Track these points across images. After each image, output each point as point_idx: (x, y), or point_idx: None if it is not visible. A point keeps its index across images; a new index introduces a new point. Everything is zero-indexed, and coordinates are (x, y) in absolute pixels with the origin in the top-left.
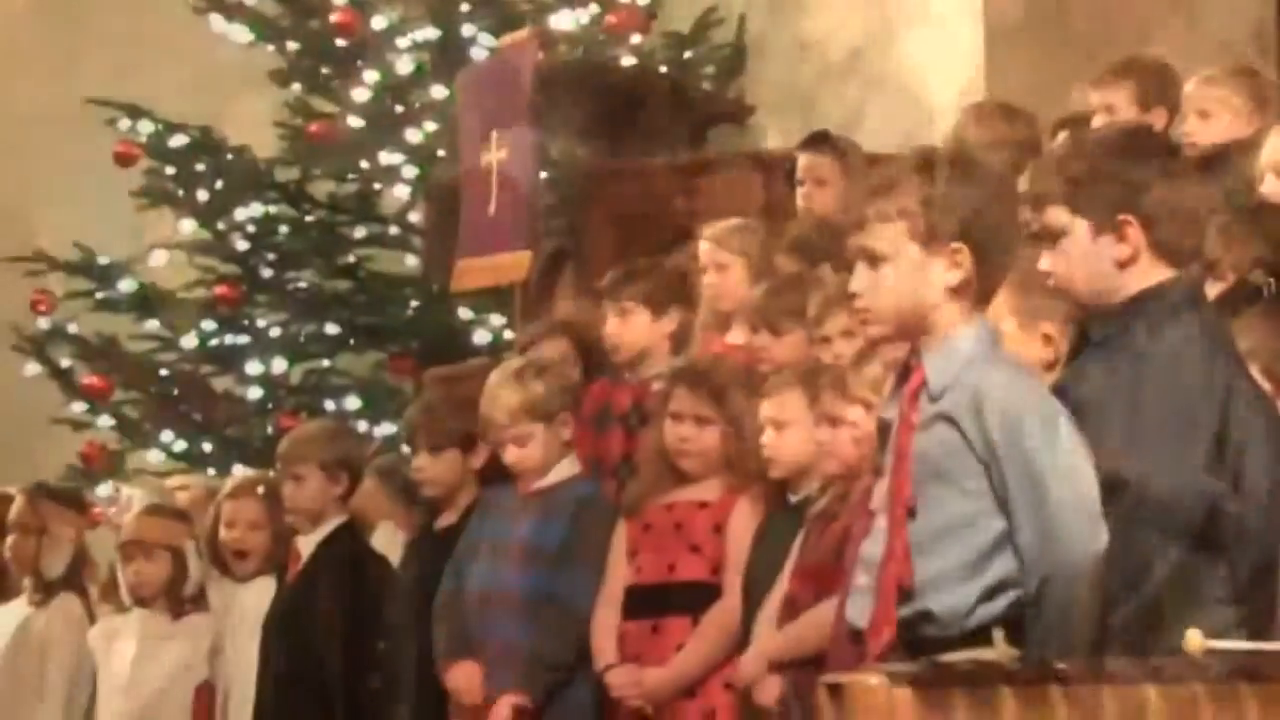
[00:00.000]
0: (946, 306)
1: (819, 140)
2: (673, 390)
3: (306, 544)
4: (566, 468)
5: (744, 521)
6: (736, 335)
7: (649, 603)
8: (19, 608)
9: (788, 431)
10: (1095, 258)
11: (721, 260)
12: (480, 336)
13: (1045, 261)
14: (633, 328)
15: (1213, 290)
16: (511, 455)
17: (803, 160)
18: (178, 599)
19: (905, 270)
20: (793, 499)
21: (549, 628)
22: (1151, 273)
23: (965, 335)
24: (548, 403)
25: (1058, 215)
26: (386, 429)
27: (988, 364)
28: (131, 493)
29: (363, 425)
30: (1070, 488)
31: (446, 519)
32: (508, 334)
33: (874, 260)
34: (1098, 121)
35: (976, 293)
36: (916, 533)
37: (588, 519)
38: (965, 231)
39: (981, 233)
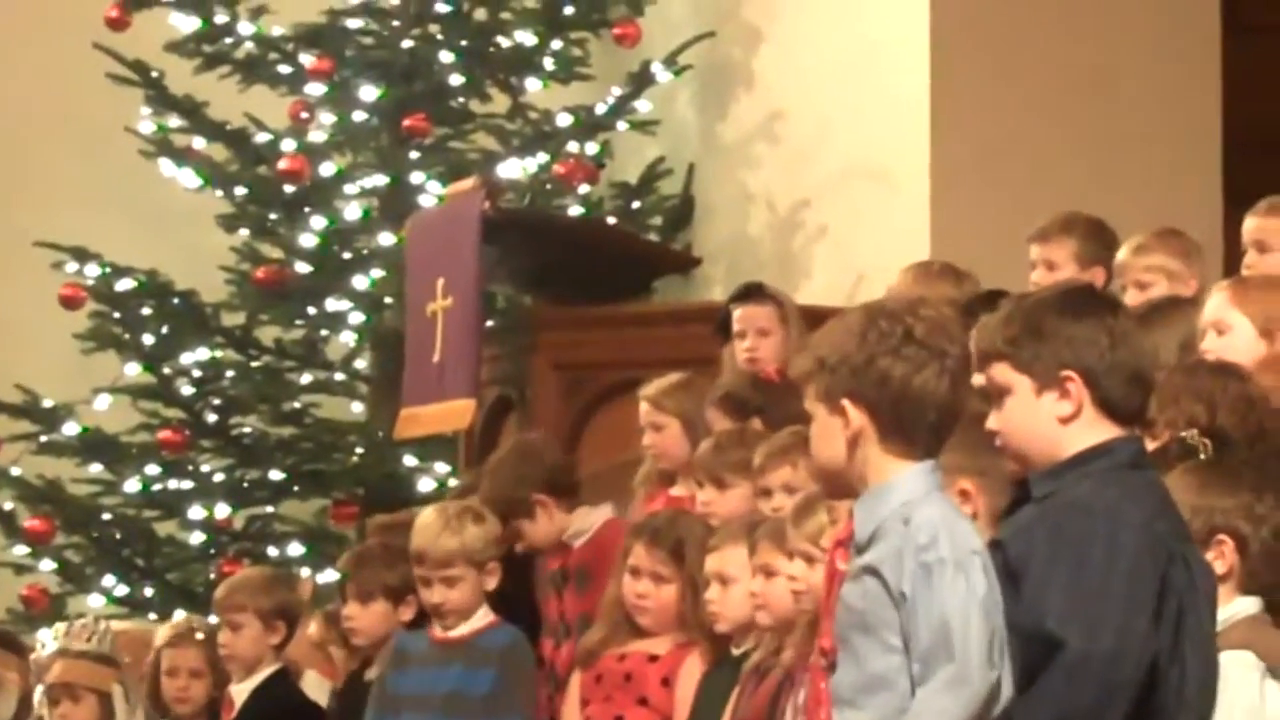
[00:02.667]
0: (873, 453)
1: (755, 291)
2: (632, 546)
3: (240, 692)
4: (483, 615)
5: (692, 676)
6: (680, 489)
7: None
8: None
9: (732, 587)
10: (1038, 415)
11: (658, 421)
12: (425, 484)
13: (991, 420)
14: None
15: (1149, 448)
16: (438, 595)
17: (740, 312)
18: None
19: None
20: (735, 652)
21: None
22: (1095, 430)
23: (900, 481)
24: (483, 550)
25: (1001, 373)
26: (329, 576)
27: (921, 509)
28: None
29: (305, 572)
30: (973, 635)
31: (377, 668)
32: (452, 481)
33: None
34: (1037, 277)
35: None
36: (838, 685)
37: (514, 667)
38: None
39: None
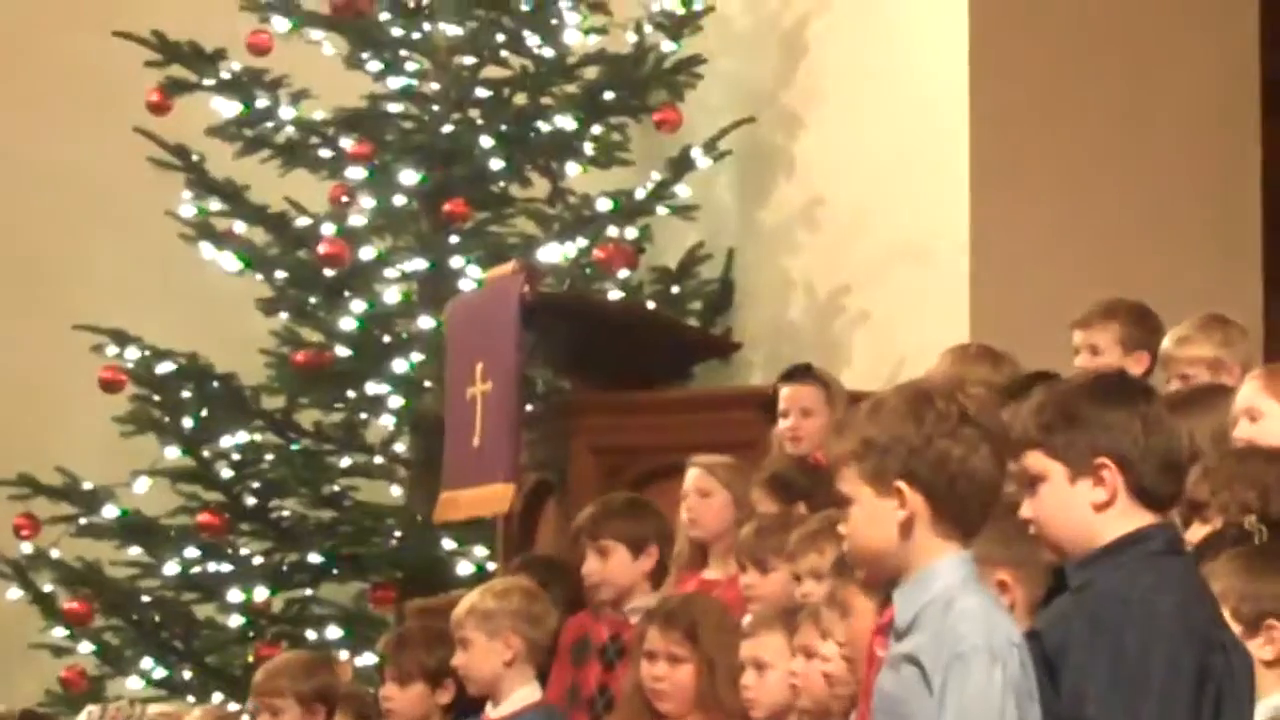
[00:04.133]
0: (924, 536)
1: (802, 371)
2: (646, 629)
3: None
4: (524, 696)
5: None
6: (713, 571)
7: None
8: None
9: (768, 673)
10: (1073, 503)
11: (706, 487)
12: (463, 568)
13: (1025, 509)
14: (613, 566)
15: (1199, 533)
16: (456, 658)
17: (786, 391)
18: None
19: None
20: None
21: None
22: (1129, 517)
23: (941, 568)
24: (494, 616)
25: (1035, 460)
26: (368, 659)
27: (960, 598)
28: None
29: (344, 655)
30: None
31: None
32: (490, 565)
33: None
34: (1081, 361)
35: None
36: None
37: None
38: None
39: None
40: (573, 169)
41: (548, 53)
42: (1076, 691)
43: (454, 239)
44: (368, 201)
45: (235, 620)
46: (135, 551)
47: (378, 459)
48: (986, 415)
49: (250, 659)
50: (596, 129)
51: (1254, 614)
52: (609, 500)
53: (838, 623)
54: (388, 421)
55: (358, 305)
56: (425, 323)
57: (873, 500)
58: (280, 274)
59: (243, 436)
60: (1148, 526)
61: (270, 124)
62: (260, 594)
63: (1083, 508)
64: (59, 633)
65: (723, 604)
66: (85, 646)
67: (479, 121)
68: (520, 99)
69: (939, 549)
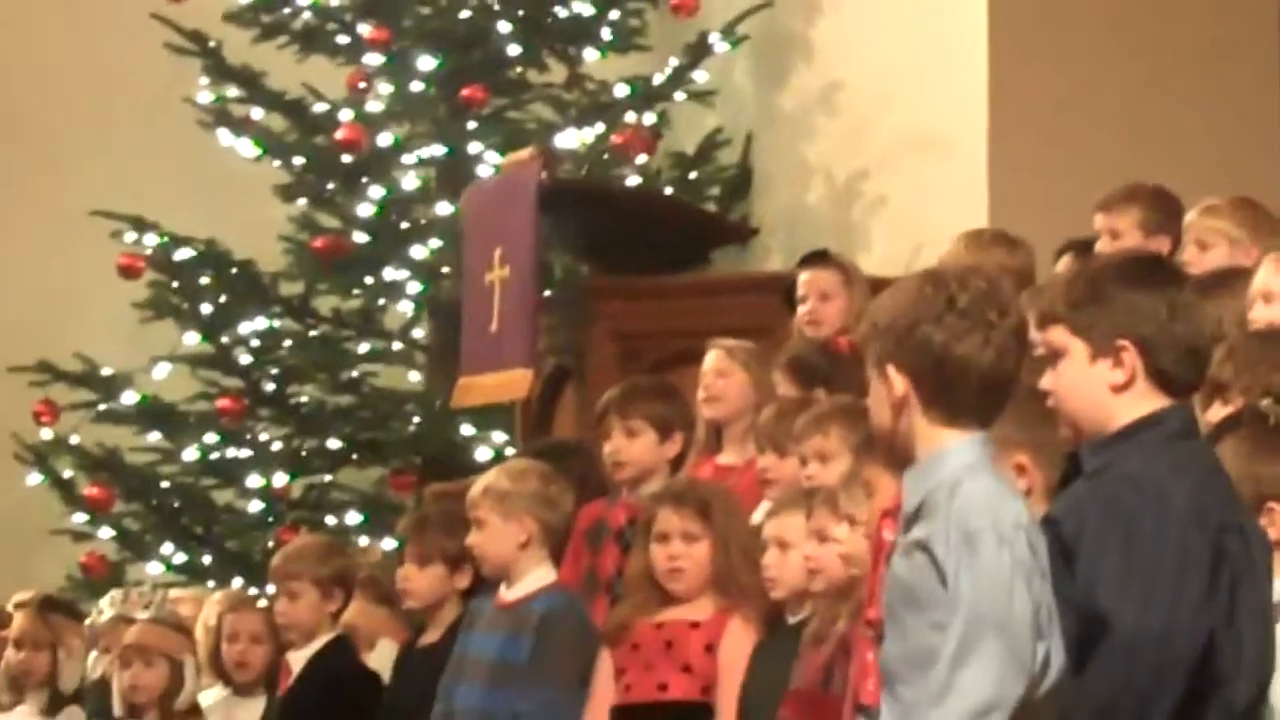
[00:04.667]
0: (918, 422)
1: (821, 256)
2: (656, 512)
3: (297, 659)
4: (539, 578)
5: (737, 642)
6: (728, 456)
7: None
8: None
9: (790, 553)
10: (1091, 382)
11: (725, 368)
12: (482, 453)
13: (1045, 380)
14: (639, 447)
15: (1220, 414)
16: (471, 537)
17: (805, 276)
18: (169, 711)
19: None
20: (791, 620)
21: None
22: (1147, 401)
23: (950, 453)
24: (510, 498)
25: (1059, 335)
26: (387, 544)
27: (968, 480)
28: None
29: (364, 540)
30: (1018, 608)
31: (430, 636)
32: (509, 451)
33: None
34: (1101, 245)
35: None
36: (885, 659)
37: (552, 632)
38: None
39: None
40: (590, 54)
41: None
42: (1090, 578)
43: (471, 125)
44: (385, 87)
45: (254, 505)
46: (154, 437)
47: (396, 345)
48: (987, 303)
49: (269, 544)
50: (614, 14)
51: (1254, 496)
52: (639, 381)
53: (862, 502)
54: (406, 307)
55: (376, 191)
56: (443, 208)
57: (876, 382)
58: (298, 160)
59: (261, 322)
60: (1163, 410)
61: (287, 10)
62: (279, 479)
63: (1100, 387)
64: (79, 518)
65: (728, 488)
66: (105, 532)
67: (496, 7)
68: None
69: (938, 435)
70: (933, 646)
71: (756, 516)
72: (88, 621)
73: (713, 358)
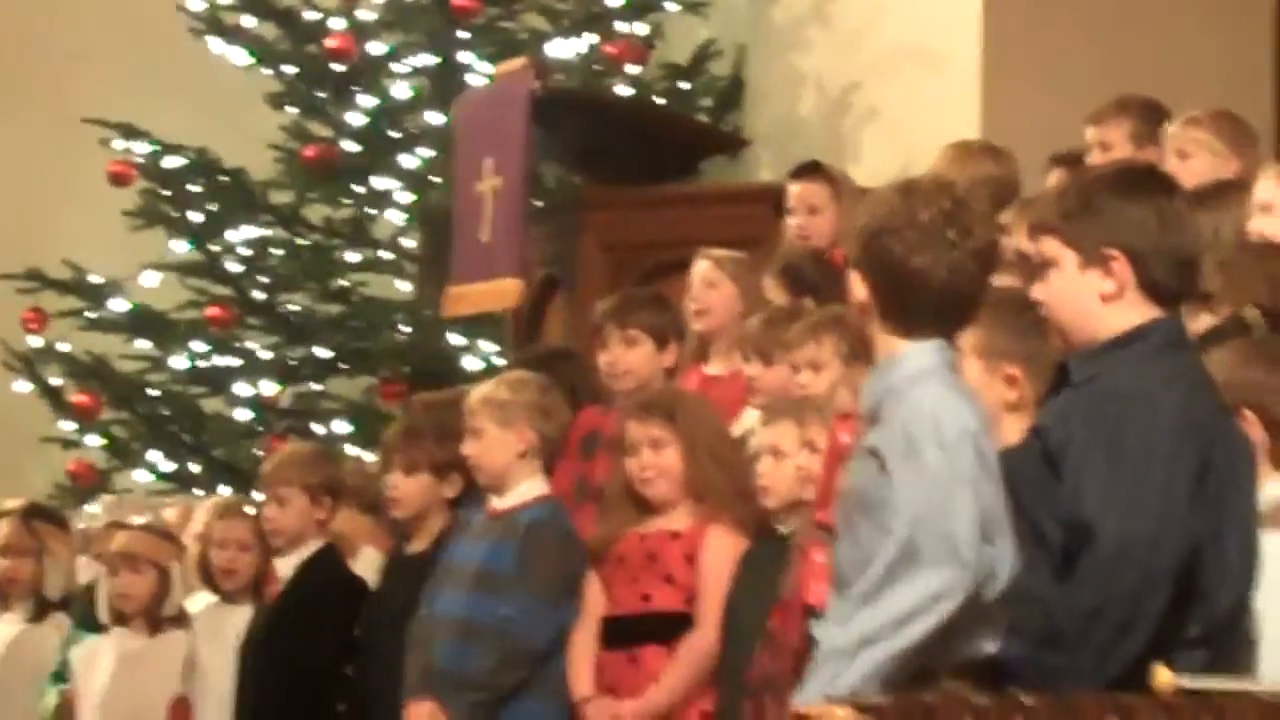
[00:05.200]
0: (876, 329)
1: (811, 169)
2: (625, 425)
3: (285, 567)
4: (530, 488)
5: (717, 551)
6: (715, 366)
7: (625, 633)
8: (7, 626)
9: (784, 462)
10: (1081, 292)
11: (713, 279)
12: (471, 362)
13: (1037, 291)
14: (638, 357)
15: (1206, 323)
16: (467, 446)
17: (794, 188)
18: (156, 617)
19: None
20: (782, 530)
21: (488, 652)
22: (1137, 311)
23: (903, 358)
24: (509, 407)
25: (1050, 245)
26: (376, 454)
27: (917, 386)
28: (99, 505)
29: (352, 449)
30: (960, 514)
31: (417, 544)
32: (499, 360)
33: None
34: (1093, 158)
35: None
36: (839, 562)
37: (537, 542)
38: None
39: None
40: None
41: None
42: (1077, 487)
43: (463, 34)
44: None
45: (243, 414)
46: (143, 345)
47: (386, 254)
48: (948, 220)
49: (258, 452)
50: None
51: (1233, 404)
52: (635, 291)
53: (852, 406)
54: (396, 217)
55: (367, 100)
56: (434, 118)
57: (853, 283)
58: (289, 69)
59: (251, 231)
60: (1153, 320)
61: None
62: (268, 388)
63: (1090, 297)
64: (67, 426)
65: (695, 393)
66: (93, 440)
67: None
68: None
69: (892, 344)
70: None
71: (743, 425)
72: (81, 526)
73: (701, 268)
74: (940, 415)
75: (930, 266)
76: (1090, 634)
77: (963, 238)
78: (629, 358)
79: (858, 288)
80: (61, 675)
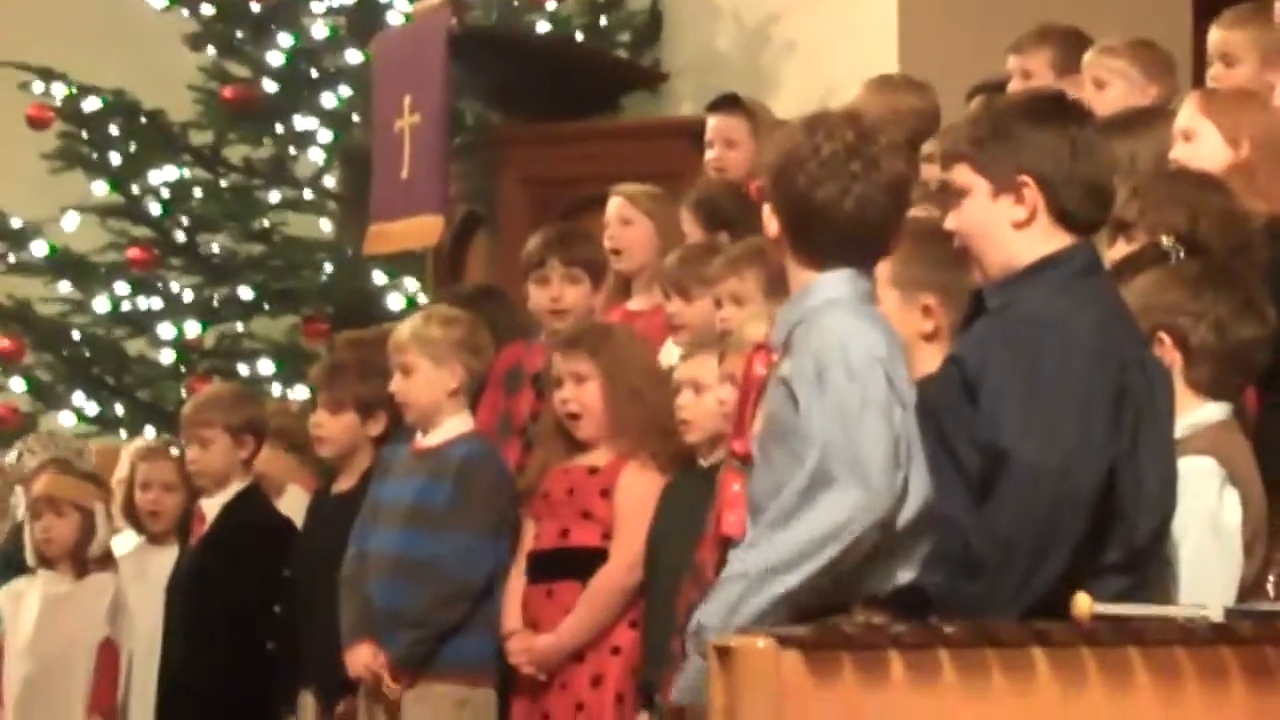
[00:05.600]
0: (789, 261)
1: (728, 102)
2: (551, 358)
3: (211, 507)
4: (457, 425)
5: (632, 487)
6: (637, 302)
7: (546, 568)
8: None
9: (704, 395)
10: (993, 219)
11: (628, 215)
12: (394, 301)
13: (950, 220)
14: (579, 294)
15: (1124, 251)
16: (395, 384)
17: (712, 122)
18: (82, 560)
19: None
20: (704, 464)
21: (425, 589)
22: (1049, 239)
23: (814, 288)
24: (440, 344)
25: (961, 173)
26: (300, 393)
27: (826, 315)
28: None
29: (276, 389)
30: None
31: (344, 483)
32: (421, 298)
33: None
34: (1014, 86)
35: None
36: (754, 492)
37: (471, 478)
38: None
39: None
40: None
41: None
42: (993, 414)
43: None
44: None
45: (167, 355)
46: (65, 288)
47: (307, 193)
48: (853, 154)
49: (182, 393)
50: None
51: (1149, 328)
52: (572, 227)
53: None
54: (317, 156)
55: (285, 39)
56: (353, 57)
57: (765, 217)
58: (207, 8)
59: (171, 172)
60: (1066, 248)
61: None
62: (191, 329)
63: (1002, 225)
64: None
65: (625, 326)
66: (17, 384)
67: None
68: None
69: (804, 276)
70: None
71: (666, 360)
72: (9, 457)
73: (615, 205)
74: (847, 343)
75: (835, 198)
76: (1007, 560)
77: (867, 170)
78: (570, 294)
79: (770, 221)
80: None
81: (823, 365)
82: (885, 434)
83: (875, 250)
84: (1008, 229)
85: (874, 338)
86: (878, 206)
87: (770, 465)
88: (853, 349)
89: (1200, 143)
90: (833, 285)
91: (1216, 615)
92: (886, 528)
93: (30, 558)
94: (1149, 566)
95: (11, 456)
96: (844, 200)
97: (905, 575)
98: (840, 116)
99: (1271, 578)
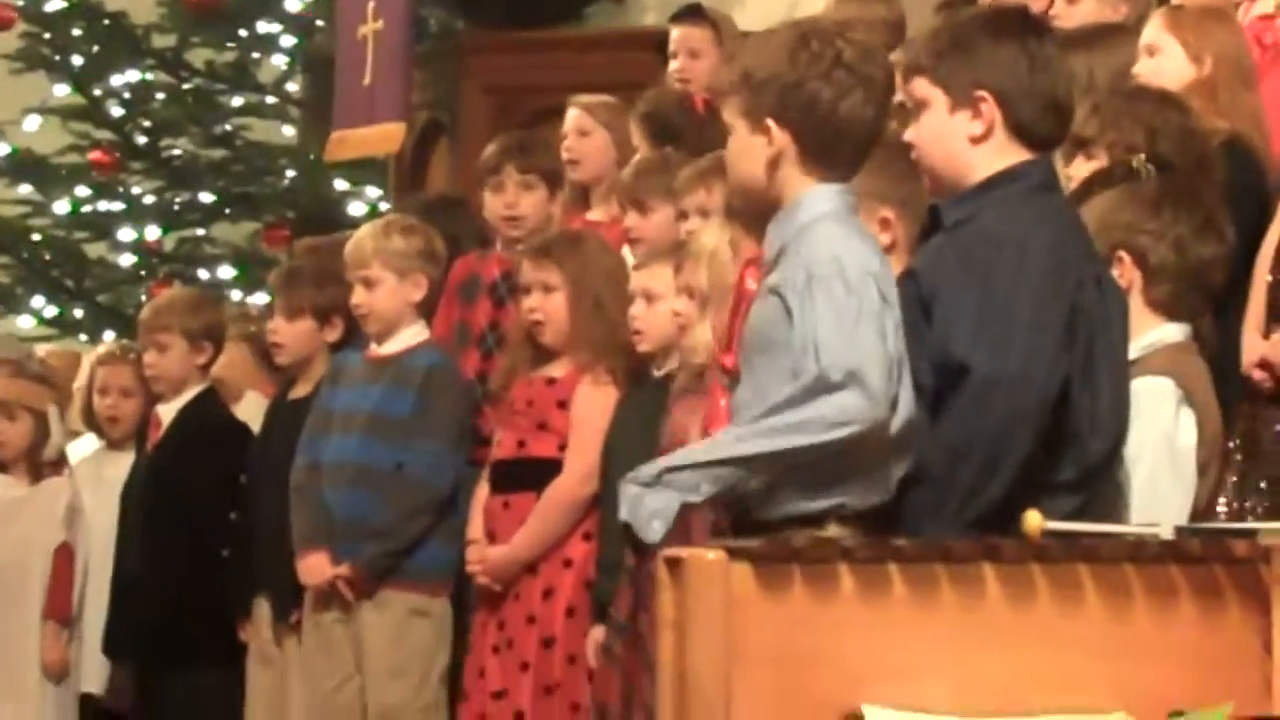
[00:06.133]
0: (793, 174)
1: (692, 12)
2: (520, 265)
3: (167, 412)
4: (414, 334)
5: (587, 400)
6: (596, 213)
7: (504, 478)
8: None
9: (658, 304)
10: (950, 133)
11: (585, 127)
12: (355, 208)
13: (909, 133)
14: (533, 202)
15: (1084, 169)
16: (357, 296)
17: (676, 32)
18: (36, 463)
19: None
20: (657, 374)
21: (391, 498)
22: (1006, 154)
23: (807, 200)
24: (404, 257)
25: (920, 86)
26: (260, 299)
27: (819, 227)
28: None
29: (237, 295)
30: (866, 347)
31: (300, 389)
32: (383, 205)
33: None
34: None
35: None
36: (739, 404)
37: (436, 388)
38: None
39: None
40: None
41: None
42: (946, 328)
43: None
44: None
45: (127, 259)
46: (25, 190)
47: (269, 98)
48: (867, 59)
49: (142, 298)
50: None
51: (1107, 246)
52: (529, 135)
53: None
54: (279, 61)
55: None
56: None
57: (745, 134)
58: None
59: (133, 75)
60: (1023, 163)
61: None
62: (152, 233)
63: (959, 138)
64: None
65: (599, 236)
66: None
67: None
68: None
69: (807, 184)
70: (781, 390)
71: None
72: None
73: (572, 116)
74: (842, 256)
75: (859, 107)
76: (955, 472)
77: (879, 72)
78: (525, 202)
79: (777, 136)
80: None
81: (815, 276)
82: (880, 345)
83: (865, 159)
84: (965, 143)
85: (867, 251)
86: (887, 110)
87: (754, 374)
88: (848, 262)
89: (1164, 59)
90: (824, 198)
91: (1167, 534)
92: (879, 440)
93: None
94: (1101, 485)
95: None
96: (868, 106)
97: (880, 495)
98: (833, 25)
99: (1223, 499)
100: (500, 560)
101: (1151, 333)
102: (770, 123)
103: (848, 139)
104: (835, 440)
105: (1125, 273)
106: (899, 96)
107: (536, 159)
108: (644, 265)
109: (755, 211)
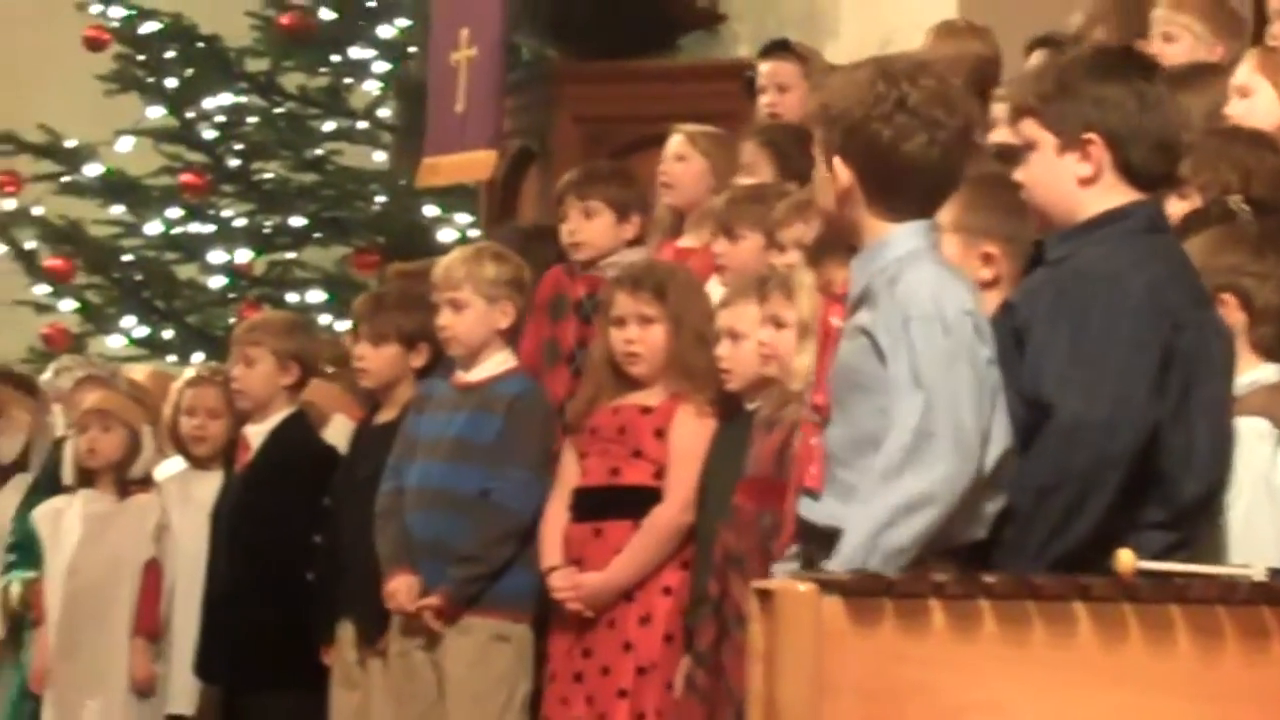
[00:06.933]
0: (861, 214)
1: (780, 47)
2: (613, 296)
3: (256, 434)
4: (501, 361)
5: (687, 428)
6: (689, 240)
7: (593, 506)
8: None
9: (743, 343)
10: (1059, 174)
11: (684, 153)
12: (445, 234)
13: (1019, 173)
14: (596, 228)
15: (1179, 209)
16: (444, 318)
17: (765, 67)
18: (124, 479)
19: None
20: (749, 407)
21: (478, 524)
22: (1115, 194)
23: (892, 239)
24: (494, 284)
25: (1029, 128)
26: (349, 324)
27: (911, 267)
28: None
29: (326, 319)
30: (963, 389)
31: (386, 414)
32: (473, 232)
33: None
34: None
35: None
36: (831, 442)
37: (523, 415)
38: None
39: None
40: None
41: None
42: (1036, 367)
43: None
44: None
45: (217, 281)
46: (117, 210)
47: (361, 123)
48: (936, 102)
49: (231, 320)
50: None
51: (1211, 288)
52: (597, 164)
53: (814, 293)
54: (372, 86)
55: None
56: None
57: (822, 167)
58: None
59: (226, 98)
60: (1130, 204)
61: None
62: (242, 255)
63: (1068, 180)
64: (41, 290)
65: (688, 268)
66: (67, 304)
67: None
68: None
69: (880, 227)
70: (875, 430)
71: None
72: (45, 375)
73: (674, 142)
74: (939, 295)
75: (922, 150)
76: (1040, 511)
77: (950, 116)
78: (587, 229)
79: (842, 173)
80: (25, 551)
81: (912, 317)
82: (977, 391)
83: (947, 196)
84: (1073, 184)
85: (961, 290)
86: (958, 153)
87: (848, 415)
88: (946, 302)
89: (1256, 100)
90: (912, 236)
91: (1259, 574)
92: (974, 488)
93: (69, 474)
94: (1196, 526)
95: (48, 374)
96: (932, 149)
97: (976, 531)
98: (912, 63)
99: None
100: (598, 587)
101: (1250, 373)
102: (837, 160)
103: (911, 181)
104: (940, 513)
105: (1230, 314)
106: (1003, 135)
107: (596, 187)
108: (728, 304)
109: (841, 239)
